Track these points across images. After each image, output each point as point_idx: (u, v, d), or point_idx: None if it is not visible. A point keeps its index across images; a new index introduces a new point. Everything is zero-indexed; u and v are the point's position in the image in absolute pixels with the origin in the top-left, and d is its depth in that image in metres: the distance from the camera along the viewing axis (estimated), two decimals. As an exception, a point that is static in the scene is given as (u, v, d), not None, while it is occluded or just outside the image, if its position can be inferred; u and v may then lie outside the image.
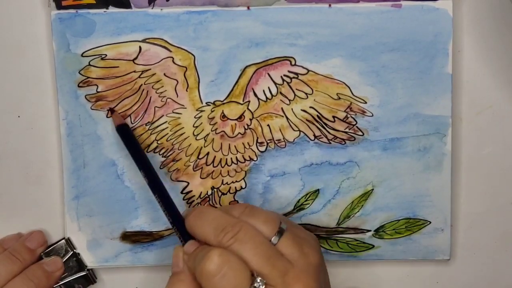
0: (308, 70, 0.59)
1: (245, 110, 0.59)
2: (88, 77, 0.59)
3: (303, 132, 0.60)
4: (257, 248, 0.50)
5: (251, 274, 0.49)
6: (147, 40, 0.59)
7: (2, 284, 0.56)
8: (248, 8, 0.58)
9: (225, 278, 0.48)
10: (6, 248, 0.59)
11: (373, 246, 0.61)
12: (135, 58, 0.59)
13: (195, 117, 0.60)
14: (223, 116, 0.59)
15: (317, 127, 0.60)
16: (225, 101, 0.59)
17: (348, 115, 0.60)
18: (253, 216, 0.52)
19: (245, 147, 0.60)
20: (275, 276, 0.49)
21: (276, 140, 0.60)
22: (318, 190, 0.61)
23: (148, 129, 0.60)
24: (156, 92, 0.59)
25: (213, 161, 0.60)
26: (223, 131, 0.60)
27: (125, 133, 0.59)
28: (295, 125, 0.60)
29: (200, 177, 0.60)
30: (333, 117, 0.60)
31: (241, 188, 0.61)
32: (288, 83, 0.59)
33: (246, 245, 0.50)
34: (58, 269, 0.60)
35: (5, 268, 0.57)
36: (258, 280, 0.49)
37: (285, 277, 0.49)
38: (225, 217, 0.52)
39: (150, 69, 0.59)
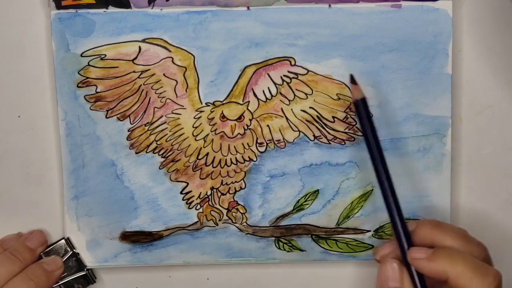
0: (308, 71, 0.59)
1: (244, 111, 0.59)
2: (87, 78, 0.59)
3: (302, 133, 0.60)
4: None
5: None
6: (146, 40, 0.59)
7: (3, 284, 0.56)
8: (248, 8, 0.58)
9: None
10: (6, 248, 0.59)
11: (373, 246, 0.61)
12: (135, 58, 0.59)
13: (194, 118, 0.59)
14: (223, 117, 0.59)
15: (316, 127, 0.60)
16: (224, 102, 0.59)
17: (348, 116, 0.60)
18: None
19: (244, 147, 0.60)
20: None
21: (276, 141, 0.60)
22: (317, 190, 0.60)
23: (148, 130, 0.60)
24: (155, 93, 0.59)
25: (212, 162, 0.60)
26: (223, 132, 0.60)
27: (363, 109, 0.56)
28: (295, 126, 0.60)
29: (200, 178, 0.60)
30: (333, 117, 0.60)
31: (241, 188, 0.61)
32: (287, 83, 0.59)
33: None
34: (58, 268, 0.60)
35: (6, 268, 0.57)
36: None
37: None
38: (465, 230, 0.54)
39: (149, 69, 0.59)
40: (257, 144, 0.60)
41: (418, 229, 0.54)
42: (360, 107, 0.56)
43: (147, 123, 0.60)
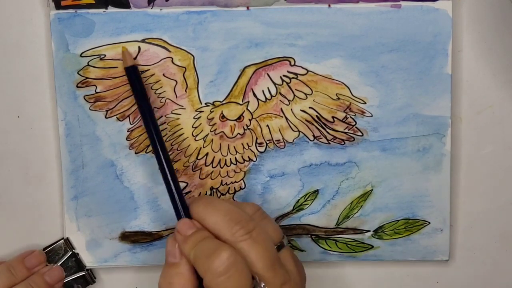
0: (308, 71, 0.59)
1: (244, 111, 0.59)
2: (87, 78, 0.59)
3: (302, 133, 0.60)
4: (266, 252, 0.50)
5: (252, 278, 0.49)
6: (146, 40, 0.59)
7: None
8: (248, 8, 0.58)
9: (230, 279, 0.48)
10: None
11: (372, 246, 0.61)
12: (134, 58, 0.59)
13: (194, 118, 0.59)
14: (222, 117, 0.59)
15: (316, 127, 0.60)
16: (224, 102, 0.59)
17: (348, 116, 0.60)
18: (264, 220, 0.53)
19: (244, 147, 0.60)
20: (276, 283, 0.49)
21: (276, 141, 0.60)
22: (317, 190, 0.60)
23: (147, 130, 0.60)
24: (155, 93, 0.59)
25: (212, 162, 0.60)
26: (222, 132, 0.60)
27: (133, 75, 0.57)
28: (295, 126, 0.60)
29: (199, 178, 0.60)
30: (333, 117, 0.60)
31: (240, 188, 0.61)
32: (287, 83, 0.59)
33: (257, 245, 0.50)
34: (60, 280, 0.60)
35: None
36: (262, 285, 0.49)
37: (283, 287, 0.50)
38: (240, 212, 0.51)
39: (149, 70, 0.59)
40: (257, 144, 0.60)
41: (195, 206, 0.52)
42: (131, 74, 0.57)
43: (147, 123, 0.60)
